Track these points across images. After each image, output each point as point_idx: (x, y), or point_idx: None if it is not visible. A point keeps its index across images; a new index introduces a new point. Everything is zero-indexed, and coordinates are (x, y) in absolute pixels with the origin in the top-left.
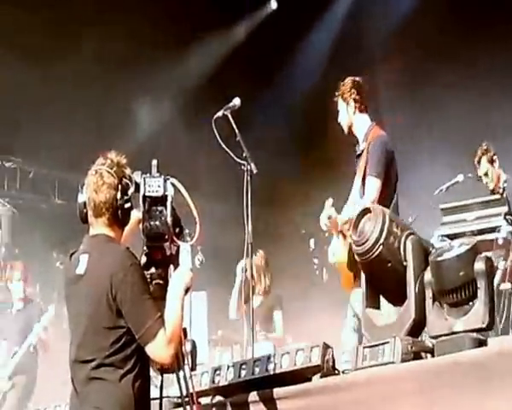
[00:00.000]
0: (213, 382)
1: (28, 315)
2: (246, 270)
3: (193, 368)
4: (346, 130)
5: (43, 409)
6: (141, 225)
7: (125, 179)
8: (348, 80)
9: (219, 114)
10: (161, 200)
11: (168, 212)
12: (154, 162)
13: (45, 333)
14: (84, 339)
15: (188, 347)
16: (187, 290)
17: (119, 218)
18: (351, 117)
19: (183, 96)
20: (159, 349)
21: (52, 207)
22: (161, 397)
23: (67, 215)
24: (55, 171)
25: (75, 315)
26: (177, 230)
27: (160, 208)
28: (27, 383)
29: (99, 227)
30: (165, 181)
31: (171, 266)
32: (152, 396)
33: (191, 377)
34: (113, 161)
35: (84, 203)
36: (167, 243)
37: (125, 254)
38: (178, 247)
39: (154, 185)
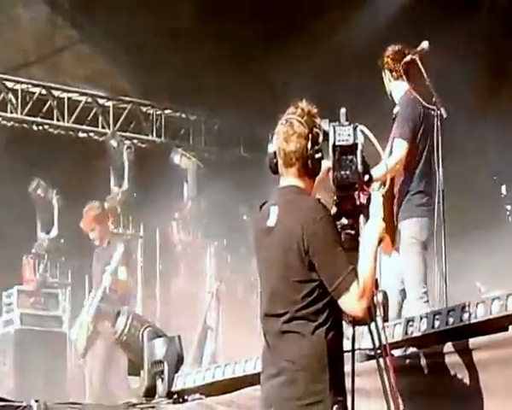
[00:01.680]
0: (406, 333)
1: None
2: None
3: (385, 319)
4: (390, 97)
5: (233, 364)
6: (331, 175)
7: (315, 129)
8: (387, 50)
9: (407, 58)
10: (351, 149)
11: (358, 161)
12: (343, 110)
13: (117, 273)
14: (276, 293)
15: (379, 298)
16: (380, 241)
17: (309, 168)
18: (388, 85)
19: None
20: (352, 302)
21: (238, 160)
22: (353, 350)
23: (253, 168)
24: (241, 123)
25: (265, 268)
26: (367, 179)
27: (350, 157)
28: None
29: (289, 178)
30: (354, 129)
31: (362, 216)
32: (344, 349)
33: (383, 328)
34: (303, 111)
35: (274, 153)
36: (358, 193)
37: (317, 205)
38: (369, 196)
39: (343, 134)
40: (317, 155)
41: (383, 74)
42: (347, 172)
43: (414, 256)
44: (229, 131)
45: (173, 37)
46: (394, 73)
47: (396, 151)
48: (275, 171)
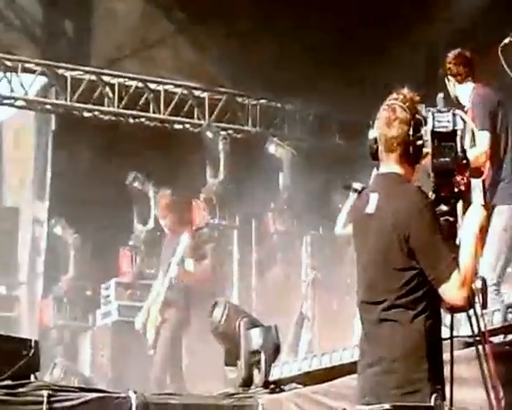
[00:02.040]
0: (505, 320)
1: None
2: None
3: (484, 306)
4: (456, 101)
5: (331, 352)
6: (429, 162)
7: (417, 115)
8: (447, 57)
9: (506, 40)
10: (451, 135)
11: (458, 147)
12: (441, 95)
13: (183, 264)
14: (374, 280)
15: (478, 284)
16: (481, 229)
17: (410, 154)
18: (454, 92)
19: None
20: (452, 291)
21: (333, 148)
22: (452, 337)
23: (348, 156)
24: (336, 111)
25: (363, 255)
26: (465, 164)
27: (449, 144)
28: (179, 317)
29: (390, 164)
30: (453, 115)
31: (461, 203)
32: (442, 336)
33: (482, 315)
34: (406, 97)
35: (375, 139)
36: (457, 179)
37: (418, 193)
38: (468, 183)
39: (443, 120)
40: (419, 142)
41: (446, 82)
42: (446, 159)
43: (500, 244)
44: (324, 119)
45: (268, 26)
46: (459, 77)
47: (480, 143)
48: (375, 157)
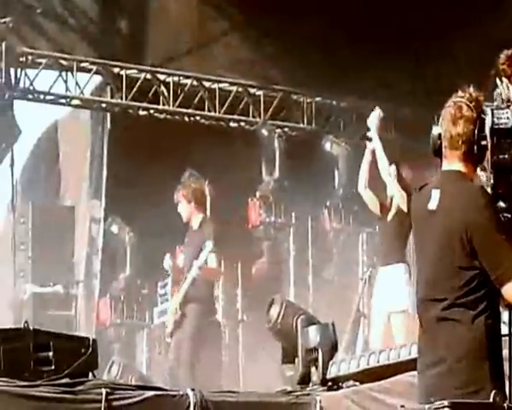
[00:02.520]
0: None
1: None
2: None
3: None
4: (503, 104)
5: (388, 350)
6: (489, 158)
7: (483, 115)
8: (500, 58)
9: None
10: (510, 132)
11: None
12: (498, 91)
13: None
14: (435, 278)
15: None
16: None
17: (473, 154)
18: (506, 93)
19: None
20: None
21: (389, 146)
22: (510, 334)
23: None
24: (393, 108)
25: (424, 252)
26: None
27: (508, 140)
28: (200, 312)
29: (453, 162)
30: None
31: None
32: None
33: None
34: (471, 96)
35: (439, 135)
36: None
37: (481, 192)
38: None
39: (502, 117)
40: (483, 142)
41: (499, 83)
42: (505, 156)
43: None
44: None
45: (326, 26)
46: None
47: None
48: (437, 153)
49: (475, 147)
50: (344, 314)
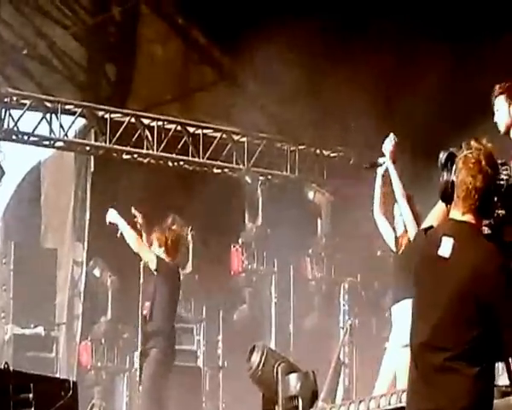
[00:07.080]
0: None
1: None
2: None
3: None
4: (502, 130)
5: (368, 399)
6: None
7: (497, 171)
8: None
9: None
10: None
11: None
12: None
13: None
14: (442, 325)
15: None
16: None
17: (485, 208)
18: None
19: None
20: None
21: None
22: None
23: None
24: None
25: (430, 297)
26: None
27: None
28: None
29: (465, 212)
30: None
31: None
32: None
33: None
34: (487, 149)
35: (452, 183)
36: None
37: (497, 251)
38: None
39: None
40: (495, 198)
41: (503, 105)
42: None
43: None
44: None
45: (311, 72)
46: None
47: None
48: (446, 200)
49: (488, 202)
50: (325, 363)
